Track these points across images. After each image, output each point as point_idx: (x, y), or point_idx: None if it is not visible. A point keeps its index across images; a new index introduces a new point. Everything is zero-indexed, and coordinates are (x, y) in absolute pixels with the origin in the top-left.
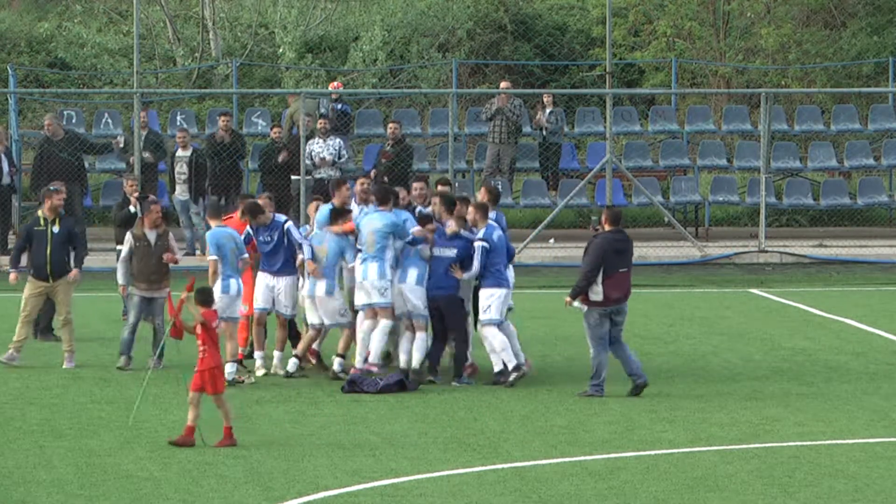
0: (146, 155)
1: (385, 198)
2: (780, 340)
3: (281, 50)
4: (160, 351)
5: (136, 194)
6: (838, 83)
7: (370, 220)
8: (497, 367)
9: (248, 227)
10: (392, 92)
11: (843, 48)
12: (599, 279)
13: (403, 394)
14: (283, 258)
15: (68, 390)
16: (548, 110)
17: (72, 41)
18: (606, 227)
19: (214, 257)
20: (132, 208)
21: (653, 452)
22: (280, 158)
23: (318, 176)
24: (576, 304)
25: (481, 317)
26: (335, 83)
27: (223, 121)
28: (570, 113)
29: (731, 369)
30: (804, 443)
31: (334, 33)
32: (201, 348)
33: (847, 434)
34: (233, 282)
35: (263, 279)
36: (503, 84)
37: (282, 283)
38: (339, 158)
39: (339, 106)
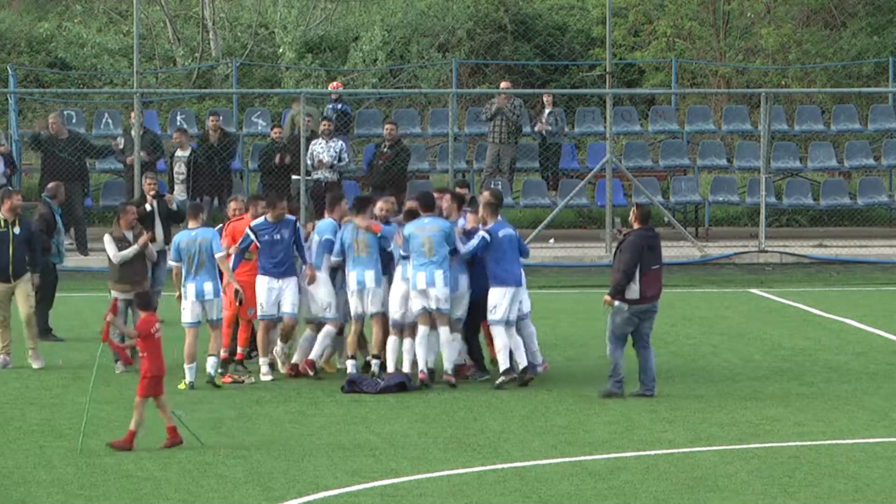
0: (143, 154)
1: (430, 203)
2: (780, 340)
3: (281, 50)
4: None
5: (152, 192)
6: (838, 83)
7: (423, 227)
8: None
9: (248, 229)
10: (392, 92)
11: (843, 48)
12: (636, 277)
13: (403, 394)
14: (291, 259)
15: (68, 390)
16: (547, 110)
17: (72, 41)
18: (636, 225)
19: (177, 263)
20: (148, 206)
21: (653, 452)
22: (277, 160)
23: (315, 177)
24: (616, 302)
25: (489, 316)
26: (335, 83)
27: (212, 121)
28: (570, 113)
29: (731, 369)
30: (804, 443)
31: (334, 33)
32: (141, 355)
33: (847, 434)
34: (207, 285)
35: (266, 283)
36: (503, 84)
37: (286, 285)
38: (340, 161)
39: (340, 106)
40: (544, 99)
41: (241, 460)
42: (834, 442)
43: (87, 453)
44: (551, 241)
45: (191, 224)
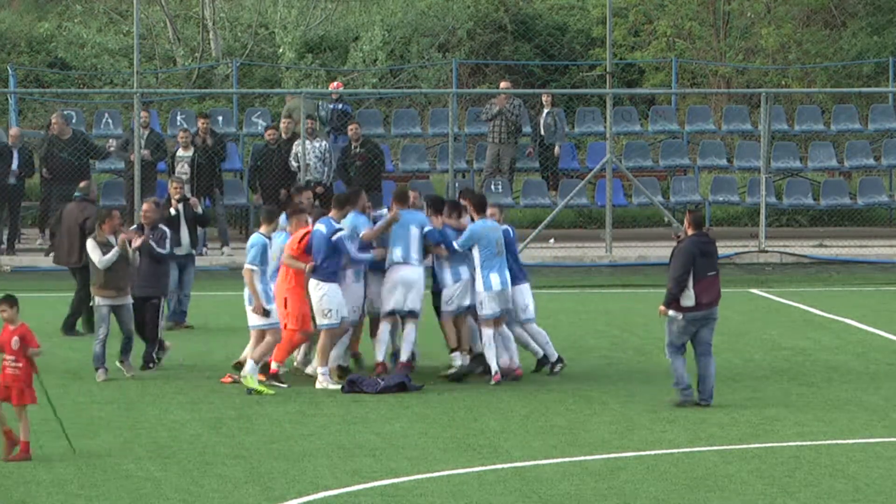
0: (145, 153)
1: (483, 203)
2: (780, 340)
3: (281, 50)
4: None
5: (177, 196)
6: (838, 83)
7: (489, 229)
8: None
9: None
10: (392, 92)
11: (843, 48)
12: (690, 284)
13: (403, 394)
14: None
15: (68, 390)
16: (546, 110)
17: (72, 41)
18: (690, 231)
19: (252, 267)
20: (173, 211)
21: (653, 452)
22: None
23: (306, 178)
24: (671, 312)
25: (528, 315)
26: (335, 83)
27: (202, 123)
28: (570, 113)
29: (731, 369)
30: (804, 443)
31: (334, 33)
32: (17, 364)
33: (847, 434)
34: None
35: (337, 288)
36: (503, 84)
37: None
38: (323, 162)
39: (340, 106)
40: (543, 99)
41: (241, 460)
42: (834, 442)
43: (87, 453)
44: (551, 241)
45: (265, 229)
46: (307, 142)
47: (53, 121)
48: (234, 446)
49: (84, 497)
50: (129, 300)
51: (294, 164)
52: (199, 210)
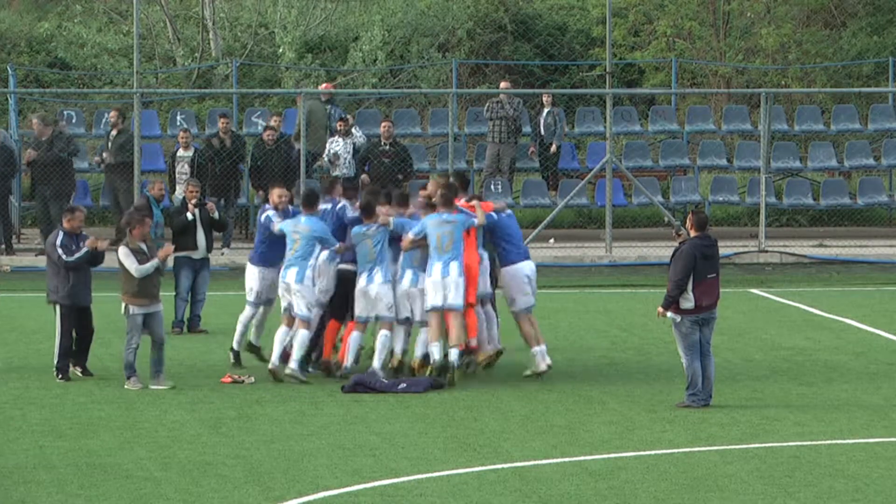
0: (105, 155)
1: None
2: (780, 340)
3: (281, 50)
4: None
5: (193, 201)
6: (838, 83)
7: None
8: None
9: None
10: (392, 92)
11: (843, 48)
12: (690, 286)
13: (404, 394)
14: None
15: (68, 390)
16: (546, 110)
17: (72, 41)
18: (693, 233)
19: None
20: (189, 215)
21: (653, 452)
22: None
23: (334, 174)
24: (669, 314)
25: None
26: (326, 84)
27: (223, 122)
28: (570, 113)
29: (731, 369)
30: (804, 443)
31: (334, 33)
32: None
33: (847, 434)
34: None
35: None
36: (503, 84)
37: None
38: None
39: (329, 108)
40: (543, 99)
41: (241, 460)
42: (834, 442)
43: (87, 453)
44: (551, 241)
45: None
46: (339, 139)
47: (33, 122)
48: (234, 446)
49: (84, 497)
50: (161, 307)
51: (326, 160)
52: (216, 215)
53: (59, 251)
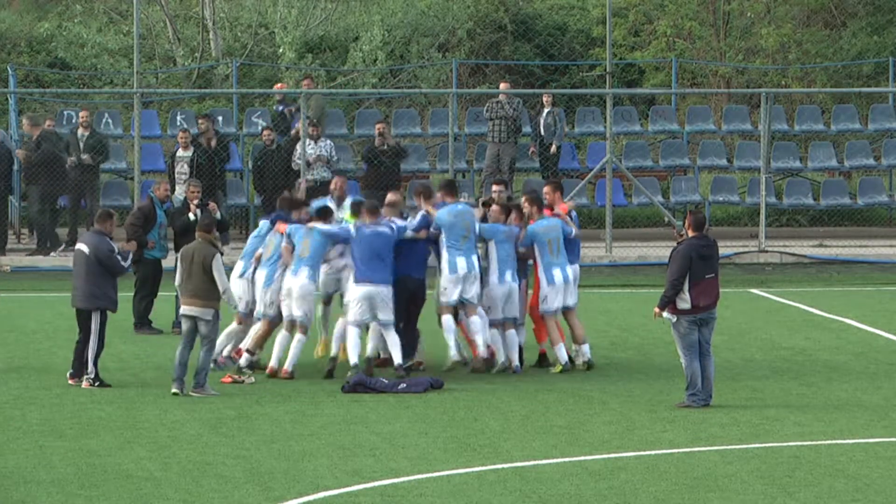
0: (84, 157)
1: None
2: (780, 340)
3: (281, 50)
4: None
5: (195, 201)
6: (838, 83)
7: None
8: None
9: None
10: (392, 92)
11: (843, 48)
12: (686, 287)
13: (404, 394)
14: None
15: (68, 390)
16: (545, 110)
17: (72, 41)
18: (690, 233)
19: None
20: (191, 216)
21: (653, 452)
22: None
23: (313, 177)
24: (665, 314)
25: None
26: (280, 84)
27: (202, 124)
28: (570, 113)
29: (731, 369)
30: (804, 443)
31: (334, 33)
32: None
33: (847, 434)
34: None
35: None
36: (503, 84)
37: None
38: (332, 158)
39: (281, 108)
40: (543, 99)
41: (241, 460)
42: (834, 442)
43: (87, 453)
44: None
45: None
46: (311, 142)
47: (24, 121)
48: (234, 446)
49: (84, 497)
50: (203, 313)
51: (299, 163)
52: (218, 215)
53: (119, 258)
